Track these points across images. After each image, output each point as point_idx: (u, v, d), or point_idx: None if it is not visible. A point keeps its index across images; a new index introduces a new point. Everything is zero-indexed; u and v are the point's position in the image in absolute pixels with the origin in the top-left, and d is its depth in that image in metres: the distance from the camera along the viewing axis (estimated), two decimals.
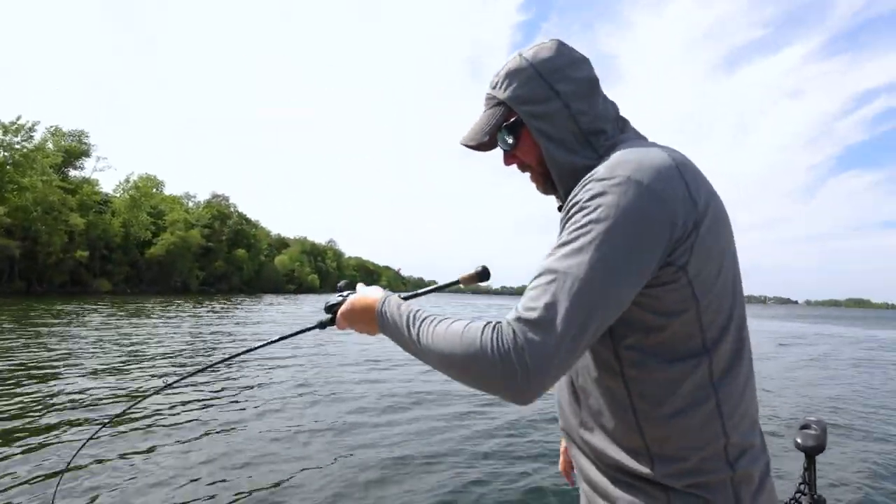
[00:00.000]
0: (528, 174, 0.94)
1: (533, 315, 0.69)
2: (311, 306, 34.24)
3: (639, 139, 0.87)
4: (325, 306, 1.02)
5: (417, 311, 0.83)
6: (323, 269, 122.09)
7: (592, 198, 0.73)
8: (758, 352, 15.06)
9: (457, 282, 1.06)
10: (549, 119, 0.85)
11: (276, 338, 1.10)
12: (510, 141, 0.89)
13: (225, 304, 33.20)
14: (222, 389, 6.95)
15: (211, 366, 1.31)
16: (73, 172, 53.01)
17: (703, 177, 0.79)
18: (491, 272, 1.05)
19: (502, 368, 0.68)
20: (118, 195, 57.94)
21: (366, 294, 0.94)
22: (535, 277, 0.73)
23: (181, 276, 62.14)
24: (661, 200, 0.71)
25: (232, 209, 78.12)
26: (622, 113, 0.92)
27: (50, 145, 47.99)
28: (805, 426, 1.78)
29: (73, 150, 51.90)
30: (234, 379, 7.74)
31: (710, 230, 0.74)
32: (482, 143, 0.90)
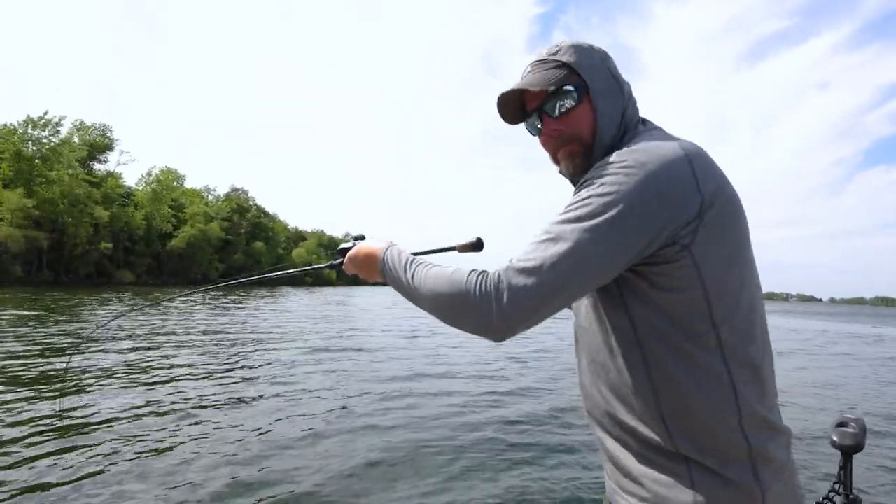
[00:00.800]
0: (560, 149, 0.94)
1: (521, 264, 0.78)
2: (325, 297, 34.59)
3: (659, 131, 0.92)
4: (337, 249, 1.13)
5: (416, 258, 0.94)
6: None
7: (601, 176, 0.80)
8: (782, 348, 14.80)
9: (453, 248, 1.17)
10: (609, 98, 0.91)
11: (291, 270, 1.30)
12: (571, 104, 0.90)
13: (244, 296, 33.70)
14: (232, 366, 7.17)
15: (209, 288, 1.47)
16: (97, 166, 54.28)
17: (718, 170, 0.83)
18: (485, 244, 1.17)
19: (479, 304, 0.78)
20: (140, 188, 59.17)
21: (371, 243, 1.05)
22: (535, 237, 0.82)
23: (201, 268, 63.26)
24: (662, 186, 0.77)
25: (251, 202, 79.15)
26: (646, 106, 1.00)
27: (75, 139, 49.16)
28: (842, 423, 1.70)
29: (98, 143, 53.11)
30: (248, 356, 7.94)
31: (718, 218, 0.79)
32: (541, 93, 0.91)
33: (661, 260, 0.79)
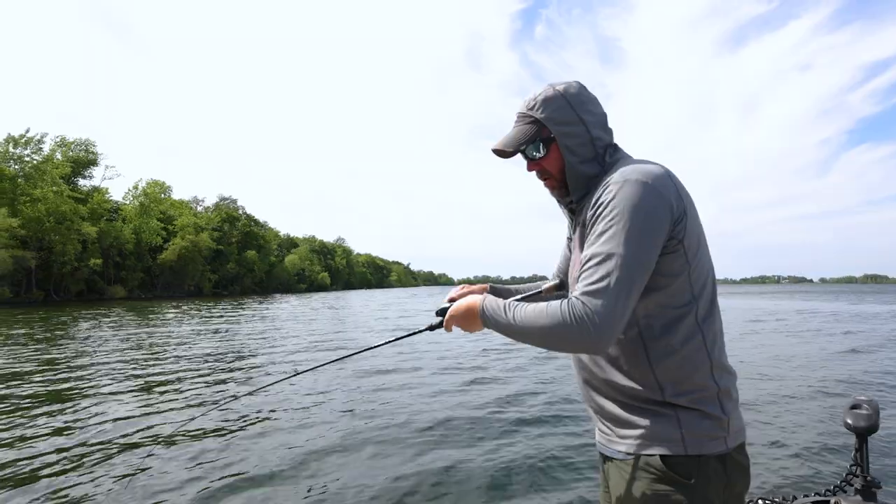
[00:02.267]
0: (543, 181, 1.18)
1: (591, 288, 0.97)
2: (320, 302, 34.40)
3: (632, 157, 1.13)
4: (435, 311, 1.26)
5: (511, 301, 1.11)
6: (333, 267, 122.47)
7: (614, 197, 1.00)
8: (776, 329, 14.92)
9: (540, 291, 1.34)
10: (575, 139, 1.11)
11: (393, 338, 1.34)
12: (540, 154, 1.13)
13: (240, 305, 33.40)
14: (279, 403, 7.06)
15: (324, 364, 1.51)
16: (81, 182, 53.54)
17: (682, 183, 1.08)
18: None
19: (579, 330, 0.96)
20: (128, 202, 58.47)
21: (468, 298, 1.18)
22: (587, 261, 1.00)
23: (194, 280, 62.72)
24: (661, 195, 1.00)
25: (240, 211, 78.50)
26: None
27: (58, 156, 48.43)
28: (855, 406, 1.69)
29: (81, 159, 52.38)
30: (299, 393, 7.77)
31: (692, 218, 1.04)
32: (514, 151, 1.13)
33: (664, 251, 1.01)
